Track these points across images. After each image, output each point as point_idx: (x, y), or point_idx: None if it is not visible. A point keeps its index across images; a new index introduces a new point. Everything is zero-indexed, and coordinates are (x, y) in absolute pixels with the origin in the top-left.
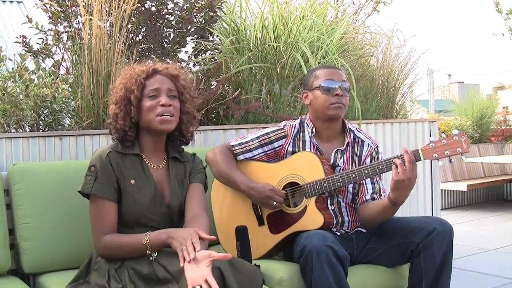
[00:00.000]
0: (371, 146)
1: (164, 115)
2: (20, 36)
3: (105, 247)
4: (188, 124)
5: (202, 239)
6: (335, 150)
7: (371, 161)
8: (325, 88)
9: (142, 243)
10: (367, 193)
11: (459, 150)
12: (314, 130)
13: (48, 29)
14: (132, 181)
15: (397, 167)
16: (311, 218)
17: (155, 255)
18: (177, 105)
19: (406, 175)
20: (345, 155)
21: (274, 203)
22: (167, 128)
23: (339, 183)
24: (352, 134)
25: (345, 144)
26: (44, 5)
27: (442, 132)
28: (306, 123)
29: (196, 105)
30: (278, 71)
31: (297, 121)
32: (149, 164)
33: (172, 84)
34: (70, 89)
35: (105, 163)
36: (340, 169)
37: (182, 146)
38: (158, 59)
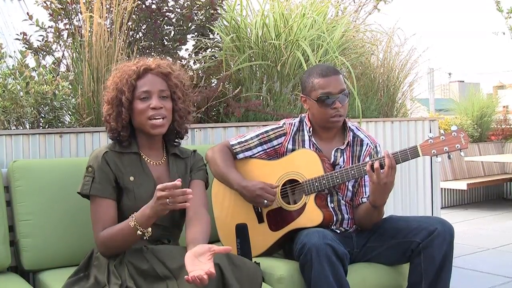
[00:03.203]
0: (369, 146)
1: (156, 119)
2: (21, 33)
3: (102, 242)
4: (181, 120)
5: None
6: (335, 149)
7: None
8: (322, 102)
9: (130, 226)
10: (364, 195)
11: (457, 146)
12: (311, 130)
13: (49, 26)
14: (131, 178)
15: (373, 170)
16: (310, 215)
17: (149, 233)
18: (168, 105)
19: (382, 180)
20: (345, 154)
21: (265, 201)
22: (159, 133)
23: (338, 180)
24: (351, 133)
25: (345, 143)
26: (44, 2)
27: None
28: (305, 122)
29: (192, 100)
30: (279, 69)
31: (297, 119)
32: (148, 160)
33: (164, 83)
34: (70, 87)
35: (101, 163)
36: (340, 167)
37: (180, 141)
38: (158, 57)
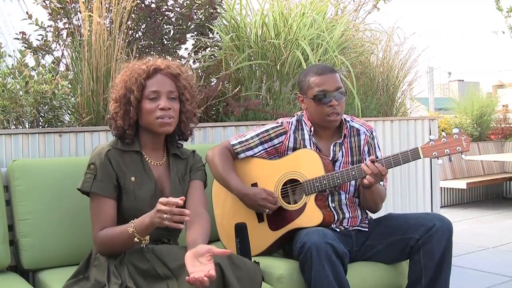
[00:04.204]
0: (366, 134)
1: (164, 119)
2: (20, 33)
3: (101, 242)
4: (187, 121)
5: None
6: (333, 144)
7: (368, 149)
8: (319, 100)
9: (129, 232)
10: None
11: (459, 149)
12: (312, 129)
13: (48, 26)
14: (132, 178)
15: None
16: (310, 216)
17: (147, 242)
18: (176, 106)
19: (374, 182)
20: (343, 146)
21: (267, 210)
22: (166, 131)
23: (338, 180)
24: (347, 124)
25: (343, 136)
26: (44, 1)
27: (442, 130)
28: (304, 121)
29: (197, 102)
30: (278, 68)
31: (294, 118)
32: (149, 160)
33: (173, 84)
34: (69, 86)
35: (104, 161)
36: (340, 162)
37: (182, 142)
38: (158, 56)
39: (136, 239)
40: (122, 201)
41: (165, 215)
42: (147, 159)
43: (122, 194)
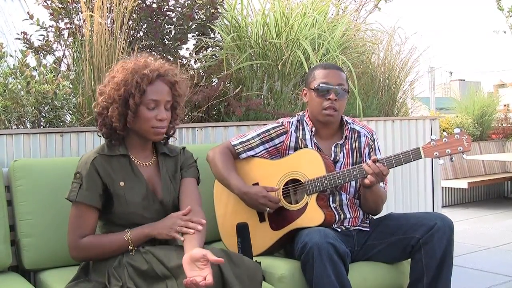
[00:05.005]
0: (367, 136)
1: (159, 129)
2: (21, 33)
3: (84, 248)
4: (174, 125)
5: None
6: (334, 144)
7: (369, 151)
8: (319, 91)
9: (124, 239)
10: None
11: (460, 149)
12: (314, 129)
13: (49, 26)
14: (121, 183)
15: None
16: (312, 215)
17: (135, 250)
18: (169, 115)
19: (378, 181)
20: (344, 148)
21: (268, 209)
22: (159, 139)
23: (340, 180)
24: (349, 126)
25: (344, 137)
26: (45, 1)
27: (443, 130)
28: (305, 121)
29: (185, 105)
30: (279, 68)
31: (294, 118)
32: (138, 162)
33: (170, 92)
34: (71, 86)
35: (89, 171)
36: (341, 164)
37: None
38: (159, 56)
39: (130, 247)
40: (114, 206)
41: (178, 227)
42: (135, 161)
43: (112, 201)
